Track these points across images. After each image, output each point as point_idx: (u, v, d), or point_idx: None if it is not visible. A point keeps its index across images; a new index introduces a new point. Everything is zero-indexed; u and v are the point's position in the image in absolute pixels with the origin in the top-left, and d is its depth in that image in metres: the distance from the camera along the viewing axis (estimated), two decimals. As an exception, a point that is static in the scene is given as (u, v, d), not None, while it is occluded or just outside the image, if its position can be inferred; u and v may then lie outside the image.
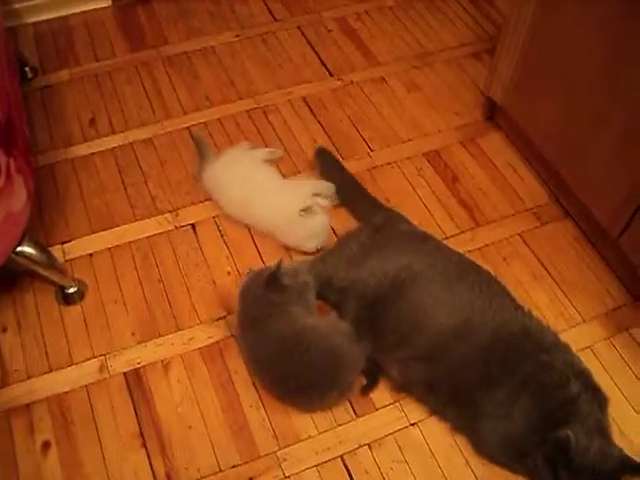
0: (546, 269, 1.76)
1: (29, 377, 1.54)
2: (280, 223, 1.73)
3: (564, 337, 1.49)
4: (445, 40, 2.35)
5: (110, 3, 2.38)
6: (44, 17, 2.33)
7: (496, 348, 1.43)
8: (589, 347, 1.62)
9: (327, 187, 1.83)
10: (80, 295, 1.66)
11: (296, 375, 1.45)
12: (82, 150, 1.96)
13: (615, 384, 1.56)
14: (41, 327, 1.61)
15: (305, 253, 1.74)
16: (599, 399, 1.41)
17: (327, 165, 1.91)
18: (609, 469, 1.31)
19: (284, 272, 1.50)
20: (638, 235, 1.59)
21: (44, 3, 2.31)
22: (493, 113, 2.09)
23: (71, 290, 1.65)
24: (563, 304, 1.70)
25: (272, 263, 1.51)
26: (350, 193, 1.86)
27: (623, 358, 1.61)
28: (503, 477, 1.43)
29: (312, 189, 1.80)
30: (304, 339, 1.46)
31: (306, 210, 1.70)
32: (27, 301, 1.65)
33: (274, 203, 1.75)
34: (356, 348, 1.49)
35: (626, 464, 1.32)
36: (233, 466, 1.43)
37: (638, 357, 1.61)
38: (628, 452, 1.35)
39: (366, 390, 1.54)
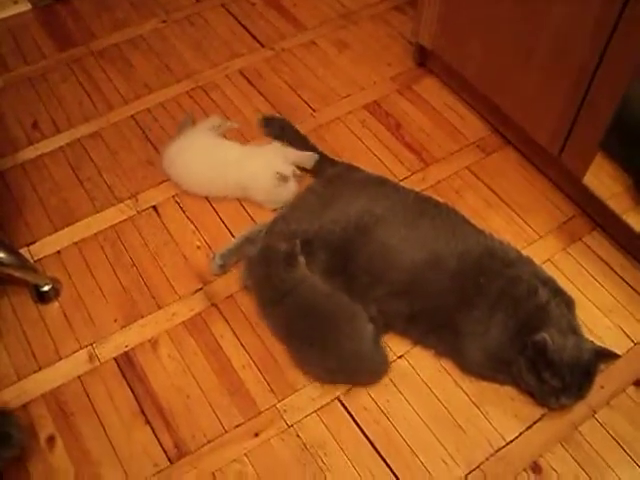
0: (497, 195, 1.85)
1: (20, 379, 1.54)
2: (256, 185, 1.77)
3: (525, 254, 1.58)
4: (366, -3, 2.41)
5: (30, 7, 2.36)
6: (-36, 29, 2.30)
7: (465, 272, 1.51)
8: (549, 260, 1.71)
9: (310, 157, 1.84)
10: (56, 292, 1.67)
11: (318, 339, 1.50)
12: (30, 153, 1.95)
13: (577, 288, 1.66)
14: (22, 329, 1.62)
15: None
16: (566, 301, 1.50)
17: (277, 130, 1.95)
18: (586, 361, 1.40)
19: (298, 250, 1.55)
20: (577, 148, 1.68)
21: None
22: (424, 59, 2.16)
23: (46, 288, 1.66)
24: (518, 225, 1.79)
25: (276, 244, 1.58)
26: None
27: (580, 264, 1.71)
28: (492, 389, 1.51)
29: (295, 157, 1.82)
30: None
31: (282, 176, 1.74)
32: (3, 306, 1.65)
33: (251, 166, 1.78)
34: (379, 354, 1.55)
35: (600, 353, 1.43)
36: (237, 425, 1.47)
37: (594, 261, 1.72)
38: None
39: None
